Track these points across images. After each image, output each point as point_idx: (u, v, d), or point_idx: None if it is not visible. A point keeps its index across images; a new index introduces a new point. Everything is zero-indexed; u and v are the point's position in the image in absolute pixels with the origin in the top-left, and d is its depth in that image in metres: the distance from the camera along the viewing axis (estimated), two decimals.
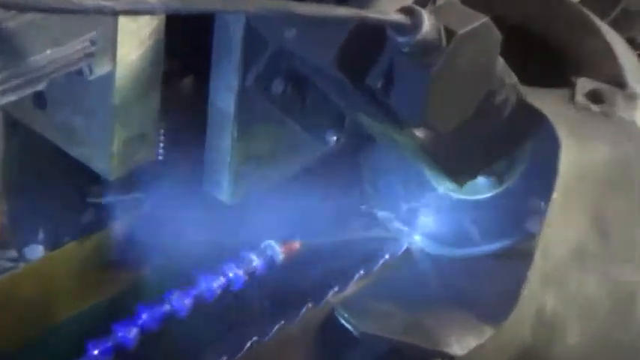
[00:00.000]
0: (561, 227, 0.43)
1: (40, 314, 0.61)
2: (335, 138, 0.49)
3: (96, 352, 0.49)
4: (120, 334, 0.49)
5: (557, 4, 0.50)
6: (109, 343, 0.49)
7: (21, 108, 0.49)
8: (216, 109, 0.49)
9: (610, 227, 0.44)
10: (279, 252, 0.53)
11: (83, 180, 0.64)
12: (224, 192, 0.51)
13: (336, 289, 0.55)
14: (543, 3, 0.50)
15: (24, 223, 0.63)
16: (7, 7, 0.31)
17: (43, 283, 0.61)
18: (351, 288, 0.56)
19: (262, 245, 0.53)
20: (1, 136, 0.59)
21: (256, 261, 0.53)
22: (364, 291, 0.57)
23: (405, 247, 0.57)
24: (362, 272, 0.57)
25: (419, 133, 0.44)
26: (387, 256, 0.57)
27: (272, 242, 0.53)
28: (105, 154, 0.47)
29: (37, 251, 0.64)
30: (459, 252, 0.54)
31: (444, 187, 0.52)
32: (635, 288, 0.45)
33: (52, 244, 0.63)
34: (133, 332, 0.49)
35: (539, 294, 0.43)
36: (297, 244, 0.54)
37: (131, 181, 0.62)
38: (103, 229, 0.63)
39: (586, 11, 0.49)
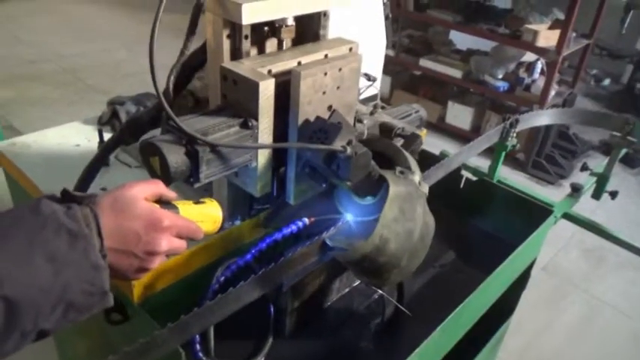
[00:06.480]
0: (389, 211, 1.31)
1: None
2: (324, 185, 1.40)
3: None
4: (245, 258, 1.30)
5: (388, 144, 1.45)
6: (237, 264, 1.30)
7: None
8: (289, 178, 1.40)
9: (406, 211, 1.35)
10: (306, 221, 1.37)
11: (251, 200, 1.46)
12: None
13: (325, 233, 1.39)
14: (385, 145, 1.45)
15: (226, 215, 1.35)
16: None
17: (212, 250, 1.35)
18: (329, 233, 1.39)
19: (299, 220, 1.38)
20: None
21: (296, 226, 1.36)
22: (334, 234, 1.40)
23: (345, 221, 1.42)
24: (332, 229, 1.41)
25: (349, 184, 1.36)
26: (339, 224, 1.43)
27: (304, 218, 1.38)
28: (255, 184, 1.31)
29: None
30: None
31: (356, 199, 1.42)
32: (415, 228, 1.34)
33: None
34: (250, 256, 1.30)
35: (381, 231, 1.29)
36: (312, 219, 1.39)
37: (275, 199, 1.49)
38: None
39: (398, 146, 1.45)
